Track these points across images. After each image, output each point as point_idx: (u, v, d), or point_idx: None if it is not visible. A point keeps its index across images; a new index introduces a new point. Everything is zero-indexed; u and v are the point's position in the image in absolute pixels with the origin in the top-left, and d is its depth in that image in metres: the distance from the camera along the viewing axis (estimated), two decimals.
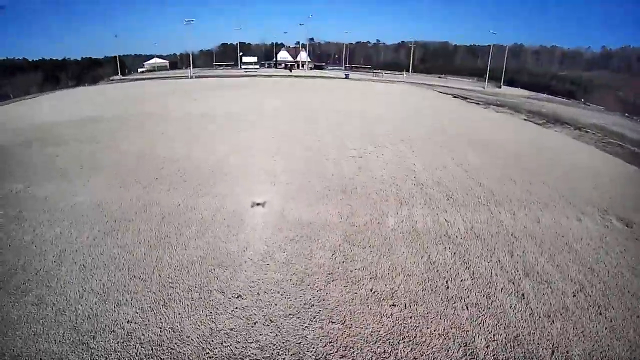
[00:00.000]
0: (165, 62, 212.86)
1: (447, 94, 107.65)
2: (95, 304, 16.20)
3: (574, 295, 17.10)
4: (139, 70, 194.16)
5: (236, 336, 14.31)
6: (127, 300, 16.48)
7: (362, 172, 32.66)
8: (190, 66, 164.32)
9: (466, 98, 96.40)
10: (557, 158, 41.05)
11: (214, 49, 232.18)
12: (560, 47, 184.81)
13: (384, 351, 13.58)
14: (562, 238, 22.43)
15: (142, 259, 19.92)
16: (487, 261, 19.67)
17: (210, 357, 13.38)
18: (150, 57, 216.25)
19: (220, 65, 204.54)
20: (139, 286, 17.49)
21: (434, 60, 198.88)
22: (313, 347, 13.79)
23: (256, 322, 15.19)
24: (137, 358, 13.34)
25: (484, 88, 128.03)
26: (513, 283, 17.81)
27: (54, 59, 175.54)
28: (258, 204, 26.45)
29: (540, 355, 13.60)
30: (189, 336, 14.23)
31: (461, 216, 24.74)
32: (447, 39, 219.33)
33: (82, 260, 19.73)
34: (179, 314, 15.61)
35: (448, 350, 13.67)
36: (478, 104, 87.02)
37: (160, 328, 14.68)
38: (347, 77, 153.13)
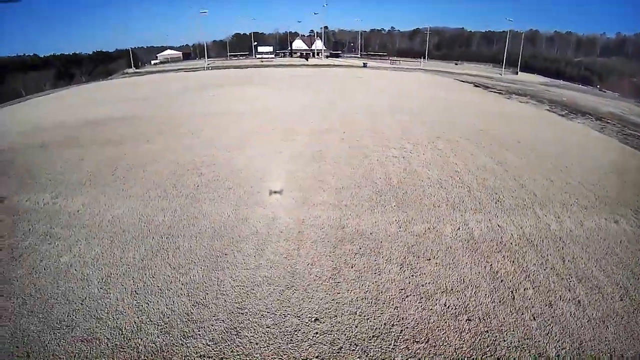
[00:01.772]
0: (179, 54, 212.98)
1: (467, 82, 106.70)
2: (158, 337, 15.68)
3: (621, 300, 18.42)
4: (152, 62, 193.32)
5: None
6: (193, 331, 16.13)
7: (407, 175, 33.30)
8: (205, 57, 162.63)
9: (487, 87, 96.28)
10: (584, 154, 42.73)
11: (227, 39, 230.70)
12: (575, 33, 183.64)
13: None
14: (604, 242, 23.73)
15: (201, 281, 19.66)
16: (544, 269, 20.90)
17: None
18: (163, 48, 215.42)
19: (235, 55, 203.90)
20: (204, 314, 17.19)
21: (449, 47, 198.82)
22: None
23: (341, 347, 15.60)
24: None
25: (501, 75, 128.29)
26: (569, 290, 19.06)
27: (65, 54, 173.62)
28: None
29: (601, 358, 14.96)
30: None
31: (512, 222, 25.81)
32: (463, 26, 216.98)
33: (132, 285, 19.16)
34: (256, 343, 15.63)
35: None
36: (500, 93, 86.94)
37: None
38: (365, 65, 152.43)
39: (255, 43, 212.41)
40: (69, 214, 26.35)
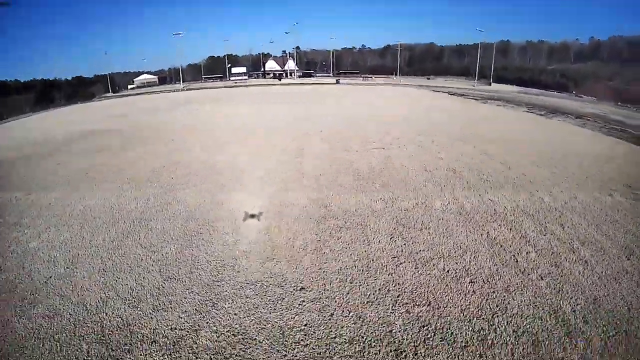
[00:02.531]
0: (155, 78, 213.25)
1: (442, 92, 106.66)
2: (125, 311, 14.43)
3: (628, 259, 17.58)
4: (129, 87, 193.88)
5: (314, 332, 13.22)
6: (164, 304, 14.87)
7: (390, 162, 32.63)
8: (180, 80, 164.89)
9: (462, 95, 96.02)
10: (569, 144, 42.26)
11: (202, 62, 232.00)
12: (547, 42, 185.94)
13: (483, 328, 13.19)
14: (600, 210, 23.09)
15: (173, 258, 18.43)
16: (543, 234, 19.90)
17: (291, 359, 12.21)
18: (139, 73, 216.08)
19: (210, 78, 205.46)
20: (177, 288, 15.97)
21: (420, 62, 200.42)
22: (407, 333, 13.09)
23: (332, 313, 14.19)
24: None
25: (474, 86, 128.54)
26: (573, 252, 18.15)
27: (46, 79, 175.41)
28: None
29: (620, 312, 13.91)
30: (255, 338, 12.96)
31: (504, 196, 24.97)
32: (433, 41, 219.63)
33: (100, 264, 17.98)
34: (235, 314, 14.29)
35: (541, 319, 13.56)
36: (476, 99, 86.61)
37: (217, 333, 13.27)
38: (338, 82, 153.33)
39: (229, 65, 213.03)
40: (41, 207, 25.24)
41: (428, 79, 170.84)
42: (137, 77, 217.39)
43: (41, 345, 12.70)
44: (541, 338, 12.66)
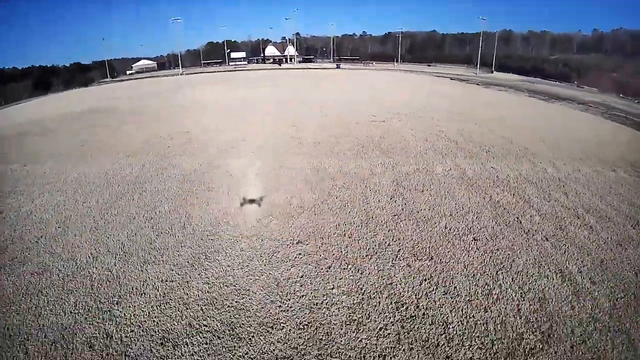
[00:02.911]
0: (154, 64, 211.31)
1: (443, 77, 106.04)
2: (115, 265, 14.12)
3: (634, 228, 17.10)
4: (127, 72, 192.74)
5: (311, 283, 12.73)
6: (155, 258, 14.50)
7: (392, 135, 31.77)
8: (179, 65, 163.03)
9: (464, 81, 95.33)
10: (572, 125, 41.95)
11: (200, 48, 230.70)
12: (550, 32, 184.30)
13: (487, 283, 12.70)
14: (604, 183, 22.53)
15: (167, 215, 18.00)
16: (547, 200, 19.39)
17: (286, 310, 11.70)
18: (138, 59, 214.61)
19: (209, 63, 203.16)
20: (169, 242, 15.56)
21: (422, 49, 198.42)
22: (409, 285, 12.59)
23: (330, 266, 13.69)
24: (183, 321, 11.33)
25: (476, 74, 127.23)
26: (578, 218, 17.66)
27: (43, 65, 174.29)
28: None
29: (627, 276, 13.46)
30: (249, 289, 12.48)
31: (506, 165, 24.42)
32: (435, 29, 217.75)
33: (92, 223, 17.57)
34: (228, 266, 13.83)
35: (547, 278, 13.11)
36: (478, 84, 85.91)
37: (208, 284, 12.83)
38: (338, 67, 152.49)
39: (229, 50, 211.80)
40: (35, 176, 24.65)
41: (429, 65, 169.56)
42: (136, 62, 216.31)
43: (29, 301, 12.30)
44: (548, 296, 12.20)
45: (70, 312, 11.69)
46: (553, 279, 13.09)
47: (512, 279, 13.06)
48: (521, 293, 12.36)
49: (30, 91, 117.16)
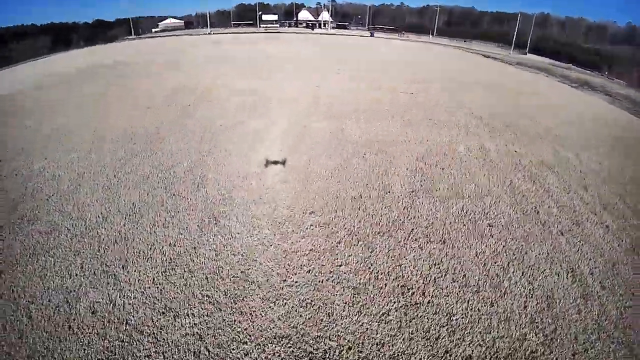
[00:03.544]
0: (181, 22, 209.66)
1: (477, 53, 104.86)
2: (124, 226, 13.92)
3: None
4: (153, 30, 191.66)
5: (318, 258, 12.49)
6: (165, 220, 14.30)
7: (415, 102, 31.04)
8: (207, 25, 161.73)
9: (497, 59, 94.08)
10: (599, 115, 39.26)
11: (231, 9, 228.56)
12: (586, 19, 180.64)
13: (497, 275, 12.35)
14: (625, 178, 21.67)
15: (182, 177, 17.81)
16: (567, 192, 18.73)
17: (290, 285, 11.52)
18: (165, 18, 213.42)
19: (239, 24, 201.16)
20: (180, 205, 15.39)
21: (458, 25, 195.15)
22: (417, 270, 12.28)
23: (340, 241, 13.45)
24: (187, 290, 11.18)
25: (509, 53, 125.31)
26: (595, 214, 16.99)
27: (64, 22, 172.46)
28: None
29: (637, 284, 12.87)
30: (256, 260, 12.30)
31: (529, 149, 23.63)
32: (473, 5, 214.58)
33: (105, 181, 17.41)
34: (238, 233, 13.60)
35: (558, 276, 12.69)
36: (511, 64, 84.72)
37: (215, 251, 12.63)
38: (372, 35, 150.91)
39: (260, 13, 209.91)
40: (46, 136, 23.95)
41: (465, 41, 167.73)
42: (162, 21, 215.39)
43: (35, 262, 12.20)
44: (556, 296, 12.08)
45: (76, 275, 11.61)
46: (564, 280, 12.68)
47: (522, 273, 12.75)
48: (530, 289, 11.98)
49: (49, 48, 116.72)
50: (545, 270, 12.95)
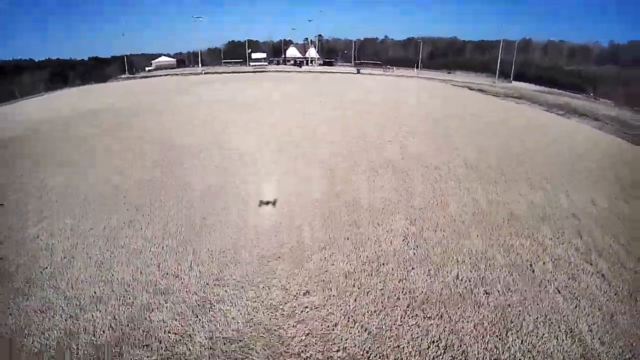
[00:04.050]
0: (173, 61, 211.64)
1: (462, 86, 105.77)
2: (119, 308, 13.58)
3: None
4: (147, 68, 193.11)
5: (315, 344, 12.27)
6: (159, 303, 13.95)
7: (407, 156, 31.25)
8: (199, 64, 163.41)
9: (483, 91, 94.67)
10: (589, 146, 40.29)
11: (222, 47, 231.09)
12: (568, 42, 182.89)
13: (496, 347, 12.14)
14: (618, 218, 21.80)
15: (174, 250, 17.54)
16: (561, 243, 18.71)
17: None
18: (158, 55, 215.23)
19: (229, 62, 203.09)
20: (174, 285, 15.08)
21: (442, 55, 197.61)
22: (415, 350, 12.08)
23: (336, 324, 13.13)
24: None
25: (494, 83, 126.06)
26: (591, 264, 16.98)
27: (61, 58, 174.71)
28: None
29: (636, 333, 12.87)
30: (252, 348, 12.07)
31: (521, 197, 23.90)
32: (456, 35, 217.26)
33: (98, 255, 17.20)
34: (233, 317, 13.39)
35: (557, 339, 12.53)
36: (497, 96, 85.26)
37: (211, 339, 12.36)
38: (358, 72, 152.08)
39: (249, 50, 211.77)
40: (45, 189, 24.43)
41: (448, 72, 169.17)
42: (155, 59, 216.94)
43: (30, 342, 12.09)
44: None
45: None
46: (563, 341, 12.55)
47: (522, 340, 12.59)
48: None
49: (47, 84, 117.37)
50: (544, 335, 12.78)
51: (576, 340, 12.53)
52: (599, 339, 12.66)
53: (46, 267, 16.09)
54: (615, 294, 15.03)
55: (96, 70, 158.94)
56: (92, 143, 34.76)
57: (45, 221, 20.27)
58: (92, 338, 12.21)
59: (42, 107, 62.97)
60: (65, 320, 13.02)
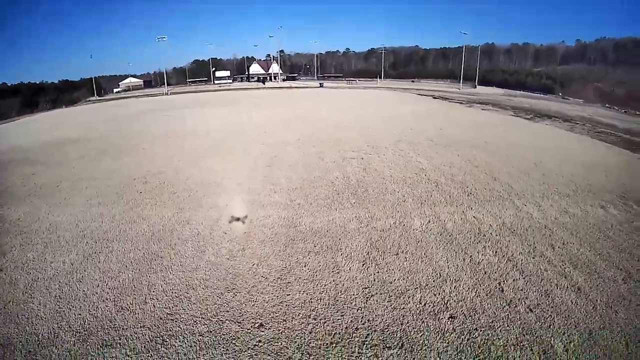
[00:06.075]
0: (140, 82, 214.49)
1: (425, 95, 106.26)
2: (74, 345, 13.31)
3: (625, 282, 16.17)
4: (115, 90, 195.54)
5: None
6: (113, 339, 13.61)
7: (368, 174, 31.21)
8: (165, 84, 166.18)
9: (447, 99, 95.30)
10: (559, 150, 40.86)
11: (186, 66, 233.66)
12: (532, 44, 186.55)
13: None
14: (594, 227, 21.49)
15: (130, 285, 17.20)
16: (532, 257, 18.24)
17: None
18: (125, 77, 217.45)
19: (194, 81, 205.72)
20: (129, 320, 14.72)
21: (405, 65, 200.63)
22: None
23: (289, 358, 12.72)
24: None
25: (459, 89, 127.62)
26: (565, 277, 16.54)
27: (32, 82, 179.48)
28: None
29: (617, 349, 12.39)
30: None
31: (488, 212, 23.53)
32: (417, 44, 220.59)
33: (57, 289, 16.94)
34: (184, 354, 12.97)
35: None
36: (461, 103, 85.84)
37: None
38: (321, 85, 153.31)
39: (214, 69, 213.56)
40: (10, 223, 24.62)
41: (412, 81, 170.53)
42: (123, 80, 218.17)
43: None
44: None
45: None
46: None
47: None
48: None
49: (18, 109, 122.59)
50: (516, 358, 12.13)
51: None
52: (576, 358, 12.06)
53: (9, 302, 16.01)
54: (593, 308, 14.51)
55: (66, 93, 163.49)
56: (51, 176, 34.27)
57: (9, 255, 20.24)
58: None
59: (12, 134, 64.79)
60: (25, 356, 13.05)
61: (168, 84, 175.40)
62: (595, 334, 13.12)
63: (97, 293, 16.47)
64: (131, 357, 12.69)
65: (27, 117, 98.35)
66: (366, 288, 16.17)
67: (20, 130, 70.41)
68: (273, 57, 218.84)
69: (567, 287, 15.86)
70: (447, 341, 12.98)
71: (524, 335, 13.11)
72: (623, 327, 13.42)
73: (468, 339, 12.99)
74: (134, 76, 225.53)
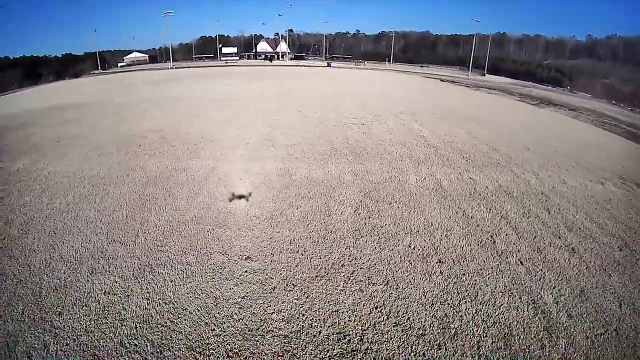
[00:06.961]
0: (145, 56, 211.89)
1: (434, 79, 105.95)
2: (64, 273, 13.42)
3: (620, 250, 15.84)
4: (119, 64, 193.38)
5: (250, 306, 11.87)
6: (103, 267, 13.73)
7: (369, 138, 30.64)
8: (170, 59, 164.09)
9: (454, 82, 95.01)
10: (561, 131, 40.71)
11: (193, 42, 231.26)
12: (544, 36, 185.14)
13: (446, 315, 11.33)
14: (591, 198, 21.17)
15: (123, 221, 17.21)
16: (527, 217, 17.95)
17: (218, 334, 10.78)
18: (130, 51, 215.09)
19: (200, 57, 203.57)
20: (119, 251, 14.80)
21: (415, 50, 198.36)
22: (356, 315, 11.40)
23: (274, 287, 12.79)
24: (116, 339, 10.56)
25: (467, 76, 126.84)
26: (559, 237, 16.27)
27: (35, 55, 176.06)
28: None
29: (610, 308, 12.17)
30: (186, 308, 11.55)
31: (485, 176, 23.11)
32: (429, 29, 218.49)
33: (52, 226, 16.89)
34: (171, 281, 13.02)
35: (517, 309, 11.76)
36: (468, 86, 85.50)
37: (147, 299, 11.92)
38: (329, 65, 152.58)
39: (220, 45, 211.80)
40: (9, 174, 24.19)
41: (422, 66, 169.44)
42: (128, 55, 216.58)
43: None
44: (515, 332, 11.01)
45: (17, 320, 11.25)
46: (524, 312, 11.77)
47: (476, 310, 11.81)
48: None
49: (21, 81, 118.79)
50: (502, 305, 11.92)
51: (539, 312, 11.70)
52: (566, 311, 11.85)
53: (3, 238, 16.01)
54: (587, 269, 14.28)
55: (69, 66, 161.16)
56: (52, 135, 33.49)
57: (6, 199, 20.10)
58: (38, 299, 12.30)
59: (10, 102, 62.86)
60: (16, 284, 13.10)
61: (174, 60, 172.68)
62: (588, 291, 12.92)
63: (90, 228, 16.45)
64: (119, 283, 12.76)
65: (28, 89, 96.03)
66: (356, 230, 15.99)
67: (21, 101, 68.99)
68: (282, 36, 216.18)
69: (561, 247, 15.59)
70: (433, 282, 12.83)
71: (513, 284, 12.94)
72: (617, 289, 13.19)
73: (455, 282, 12.85)
74: (139, 51, 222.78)
